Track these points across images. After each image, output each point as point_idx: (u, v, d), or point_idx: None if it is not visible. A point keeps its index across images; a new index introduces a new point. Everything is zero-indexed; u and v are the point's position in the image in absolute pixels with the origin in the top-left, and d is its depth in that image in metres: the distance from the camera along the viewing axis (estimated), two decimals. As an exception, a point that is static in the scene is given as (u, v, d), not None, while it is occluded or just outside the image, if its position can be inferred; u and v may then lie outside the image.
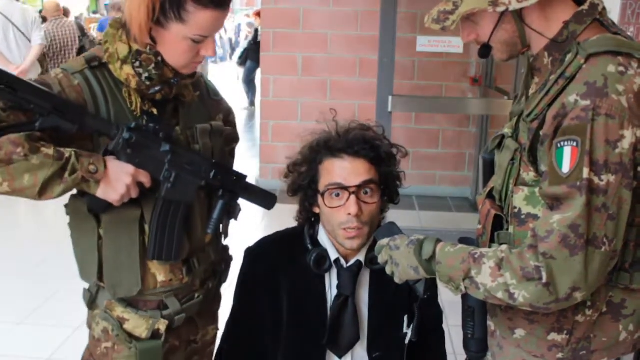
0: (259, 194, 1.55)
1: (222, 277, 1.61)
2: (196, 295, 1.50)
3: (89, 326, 1.48)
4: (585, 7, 1.16)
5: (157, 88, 1.32)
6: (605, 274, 1.11)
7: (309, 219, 1.61)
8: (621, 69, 1.07)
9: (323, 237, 1.58)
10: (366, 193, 1.49)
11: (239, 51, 10.12)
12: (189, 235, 1.42)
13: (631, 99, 1.06)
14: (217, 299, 1.64)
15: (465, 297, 1.32)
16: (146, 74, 1.29)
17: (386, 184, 1.54)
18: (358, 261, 1.56)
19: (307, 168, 1.55)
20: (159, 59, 1.30)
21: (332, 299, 1.56)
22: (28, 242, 4.18)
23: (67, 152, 1.19)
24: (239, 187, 1.47)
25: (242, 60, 9.87)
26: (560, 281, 1.07)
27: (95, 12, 17.70)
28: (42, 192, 1.17)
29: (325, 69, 5.33)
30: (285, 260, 1.59)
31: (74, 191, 1.32)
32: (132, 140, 1.26)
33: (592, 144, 1.05)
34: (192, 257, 1.46)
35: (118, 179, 1.25)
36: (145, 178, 1.29)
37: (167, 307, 1.44)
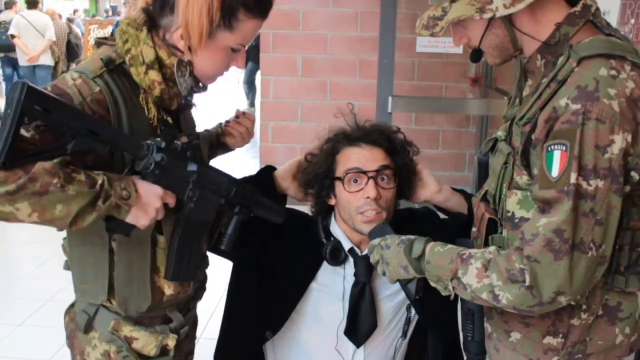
0: (271, 207, 1.51)
1: (204, 289, 1.56)
2: (191, 306, 1.48)
3: (79, 352, 1.37)
4: (578, 8, 1.16)
5: (188, 98, 1.30)
6: (593, 279, 1.10)
7: (322, 211, 1.65)
8: (613, 72, 1.06)
9: (335, 228, 1.62)
10: (383, 179, 1.53)
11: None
12: None
13: (623, 103, 1.05)
14: (195, 312, 1.59)
15: (464, 300, 1.32)
16: (185, 84, 1.25)
17: (400, 175, 1.58)
18: None
19: (325, 157, 1.59)
20: (191, 69, 1.26)
21: (350, 289, 1.59)
22: (28, 243, 4.19)
23: (99, 177, 1.10)
24: (253, 202, 1.43)
25: (243, 61, 9.85)
26: (543, 285, 1.07)
27: (94, 16, 17.99)
28: (74, 222, 1.08)
29: (325, 70, 5.32)
30: (293, 231, 1.62)
31: None
32: (163, 162, 1.18)
33: (581, 148, 1.04)
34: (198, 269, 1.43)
35: (149, 203, 1.18)
36: (171, 199, 1.23)
37: (171, 321, 1.40)
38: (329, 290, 1.61)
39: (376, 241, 1.37)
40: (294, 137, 5.35)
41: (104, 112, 1.18)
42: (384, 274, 1.34)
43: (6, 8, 8.15)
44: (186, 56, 1.24)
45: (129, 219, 1.16)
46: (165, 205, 1.22)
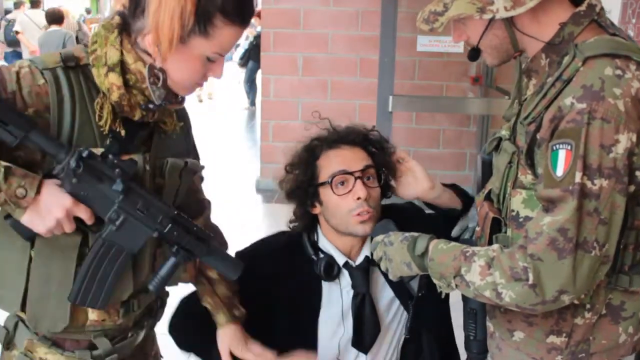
0: (224, 260, 1.33)
1: (157, 315, 1.43)
2: (129, 334, 1.33)
3: None
4: (583, 8, 1.16)
5: (150, 106, 1.19)
6: (596, 278, 1.10)
7: (306, 225, 1.60)
8: (618, 72, 1.06)
9: (325, 242, 1.58)
10: (369, 179, 1.52)
11: (239, 52, 10.12)
12: (134, 276, 1.26)
13: (628, 102, 1.05)
14: (150, 339, 1.45)
15: (467, 299, 1.32)
16: (158, 92, 1.16)
17: (382, 174, 1.56)
18: (366, 257, 1.57)
19: (305, 166, 1.56)
20: (164, 77, 1.17)
21: (349, 301, 1.56)
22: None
23: None
24: (199, 250, 1.26)
25: (244, 61, 9.87)
26: (547, 283, 1.07)
27: (88, 13, 18.32)
28: None
29: (325, 69, 5.32)
30: (285, 274, 1.57)
31: None
32: (79, 170, 1.09)
33: (586, 147, 1.05)
34: (133, 299, 1.28)
35: (49, 211, 1.08)
36: (85, 214, 1.12)
37: (96, 347, 1.26)
38: (330, 306, 1.58)
39: (379, 238, 1.37)
40: (295, 136, 5.31)
41: (42, 107, 1.12)
42: (386, 270, 1.34)
43: (15, 8, 9.18)
44: (157, 62, 1.16)
45: (24, 221, 1.08)
46: (81, 220, 1.13)
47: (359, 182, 1.48)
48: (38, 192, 1.07)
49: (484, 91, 5.18)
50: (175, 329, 1.59)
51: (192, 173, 1.34)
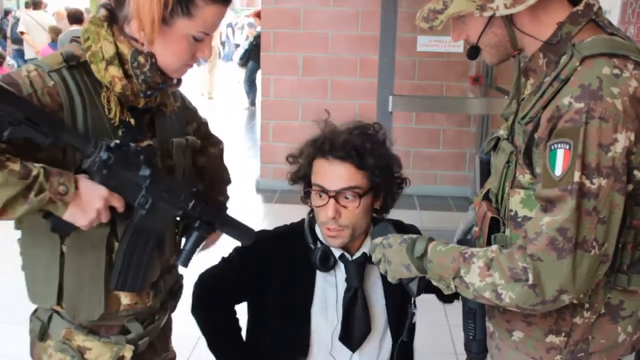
0: (238, 227, 1.44)
1: (177, 297, 1.51)
2: (156, 318, 1.40)
3: (37, 359, 1.34)
4: (581, 7, 1.15)
5: (149, 92, 1.22)
6: (595, 278, 1.10)
7: (310, 213, 1.63)
8: (616, 71, 1.06)
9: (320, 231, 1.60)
10: (347, 198, 1.50)
11: (239, 52, 10.14)
12: (159, 256, 1.33)
13: (626, 102, 1.05)
14: (169, 321, 1.53)
15: (466, 299, 1.32)
16: (142, 77, 1.20)
17: (375, 190, 1.54)
18: (364, 253, 1.58)
19: (303, 163, 1.58)
20: (153, 60, 1.20)
21: (342, 294, 1.58)
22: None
23: (35, 168, 1.06)
24: (217, 219, 1.36)
25: (244, 61, 9.88)
26: (547, 283, 1.07)
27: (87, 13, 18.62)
28: (3, 212, 1.05)
29: (325, 69, 5.33)
30: (282, 259, 1.60)
31: None
32: (110, 161, 1.14)
33: (585, 147, 1.04)
34: (160, 280, 1.36)
35: (89, 203, 1.12)
36: (118, 203, 1.17)
37: (129, 332, 1.33)
38: (325, 297, 1.59)
39: (378, 240, 1.37)
40: (295, 136, 5.29)
41: (56, 107, 1.15)
42: (385, 272, 1.34)
43: (35, 8, 9.53)
44: (146, 47, 1.20)
45: (67, 216, 1.12)
46: (115, 210, 1.18)
47: (331, 201, 1.49)
48: (76, 186, 1.11)
49: (483, 91, 5.18)
50: (196, 306, 1.64)
51: (193, 149, 1.40)
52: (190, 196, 1.29)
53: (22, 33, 9.08)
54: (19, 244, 1.31)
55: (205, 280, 1.65)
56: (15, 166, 1.04)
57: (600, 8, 1.18)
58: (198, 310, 1.64)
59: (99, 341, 1.30)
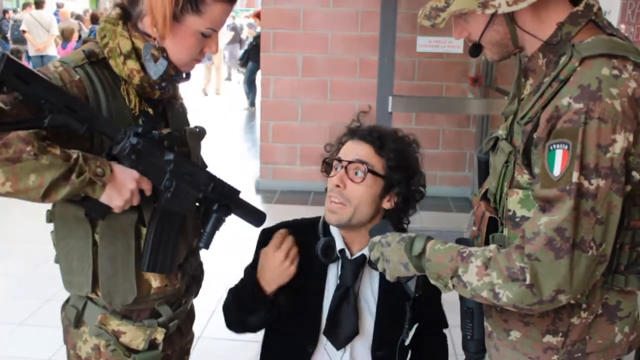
0: (251, 210, 1.53)
1: (200, 281, 1.58)
2: (183, 301, 1.48)
3: (72, 346, 1.40)
4: (580, 8, 1.16)
5: (164, 84, 1.31)
6: (593, 278, 1.11)
7: None
8: (615, 72, 1.06)
9: (333, 227, 1.62)
10: (357, 173, 1.53)
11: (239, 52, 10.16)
12: (183, 239, 1.40)
13: (625, 102, 1.05)
14: (192, 309, 1.60)
15: (464, 298, 1.32)
16: (154, 69, 1.27)
17: (388, 186, 1.55)
18: (363, 255, 1.58)
19: (335, 146, 1.64)
20: (165, 54, 1.28)
21: (333, 290, 1.58)
22: (29, 242, 4.19)
23: (74, 153, 1.13)
24: (233, 202, 1.45)
25: (244, 62, 9.89)
26: (544, 283, 1.07)
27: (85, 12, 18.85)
28: (47, 194, 1.10)
29: (325, 70, 5.33)
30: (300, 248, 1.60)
31: None
32: (139, 146, 1.22)
33: (583, 147, 1.05)
34: (186, 262, 1.44)
35: (124, 184, 1.20)
36: (147, 185, 1.25)
37: (159, 315, 1.41)
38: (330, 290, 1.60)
39: (376, 238, 1.37)
40: (295, 136, 5.35)
41: (83, 99, 1.23)
42: (384, 271, 1.34)
43: (37, 8, 9.88)
44: (158, 42, 1.28)
45: (103, 198, 1.19)
46: (142, 194, 1.25)
47: (342, 171, 1.53)
48: (111, 169, 1.18)
49: (483, 92, 5.18)
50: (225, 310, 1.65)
51: (201, 137, 1.49)
52: (209, 179, 1.37)
53: (23, 32, 9.57)
54: (52, 237, 1.38)
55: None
56: (56, 150, 1.11)
57: (600, 8, 1.18)
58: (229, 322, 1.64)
59: (133, 325, 1.37)
